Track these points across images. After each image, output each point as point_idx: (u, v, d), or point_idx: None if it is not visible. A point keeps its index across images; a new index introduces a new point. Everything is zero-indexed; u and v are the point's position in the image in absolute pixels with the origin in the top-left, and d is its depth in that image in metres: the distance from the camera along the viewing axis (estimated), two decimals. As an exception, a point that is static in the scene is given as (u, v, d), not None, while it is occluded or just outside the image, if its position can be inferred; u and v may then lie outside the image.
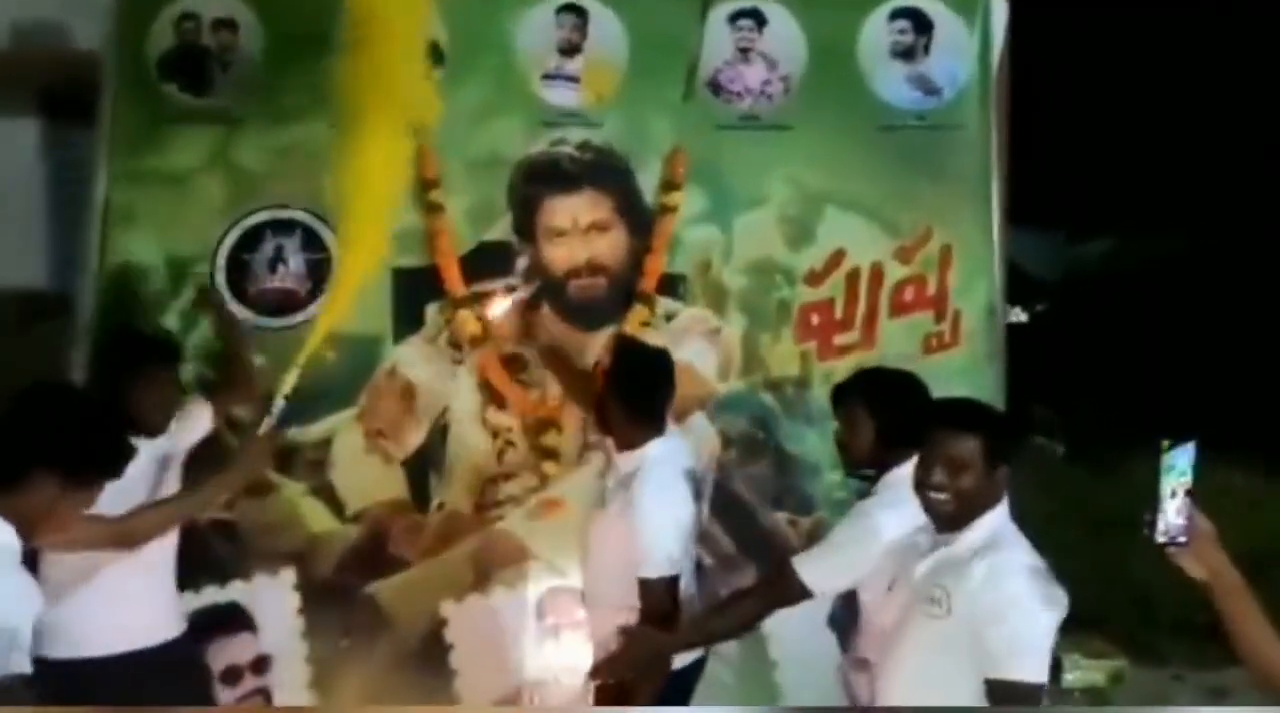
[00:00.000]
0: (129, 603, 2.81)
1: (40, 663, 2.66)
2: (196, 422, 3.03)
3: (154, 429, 2.84)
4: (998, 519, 2.26)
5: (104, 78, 3.42)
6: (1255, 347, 9.37)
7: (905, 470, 2.38)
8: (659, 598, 2.72)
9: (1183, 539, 1.91)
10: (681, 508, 2.81)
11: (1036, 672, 2.13)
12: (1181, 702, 4.12)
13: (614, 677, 2.71)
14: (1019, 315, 12.49)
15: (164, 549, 2.89)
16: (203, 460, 3.00)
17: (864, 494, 2.69)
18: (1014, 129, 3.70)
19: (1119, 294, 10.96)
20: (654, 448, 2.84)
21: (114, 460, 2.15)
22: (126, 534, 2.63)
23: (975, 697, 2.15)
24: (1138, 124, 9.82)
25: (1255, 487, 7.38)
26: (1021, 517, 2.49)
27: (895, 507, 2.45)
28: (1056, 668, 3.93)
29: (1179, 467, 1.94)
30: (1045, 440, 8.39)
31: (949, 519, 2.26)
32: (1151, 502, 1.94)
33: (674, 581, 2.74)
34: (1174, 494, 1.93)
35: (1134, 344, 10.18)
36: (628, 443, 2.87)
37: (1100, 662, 3.87)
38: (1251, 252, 10.08)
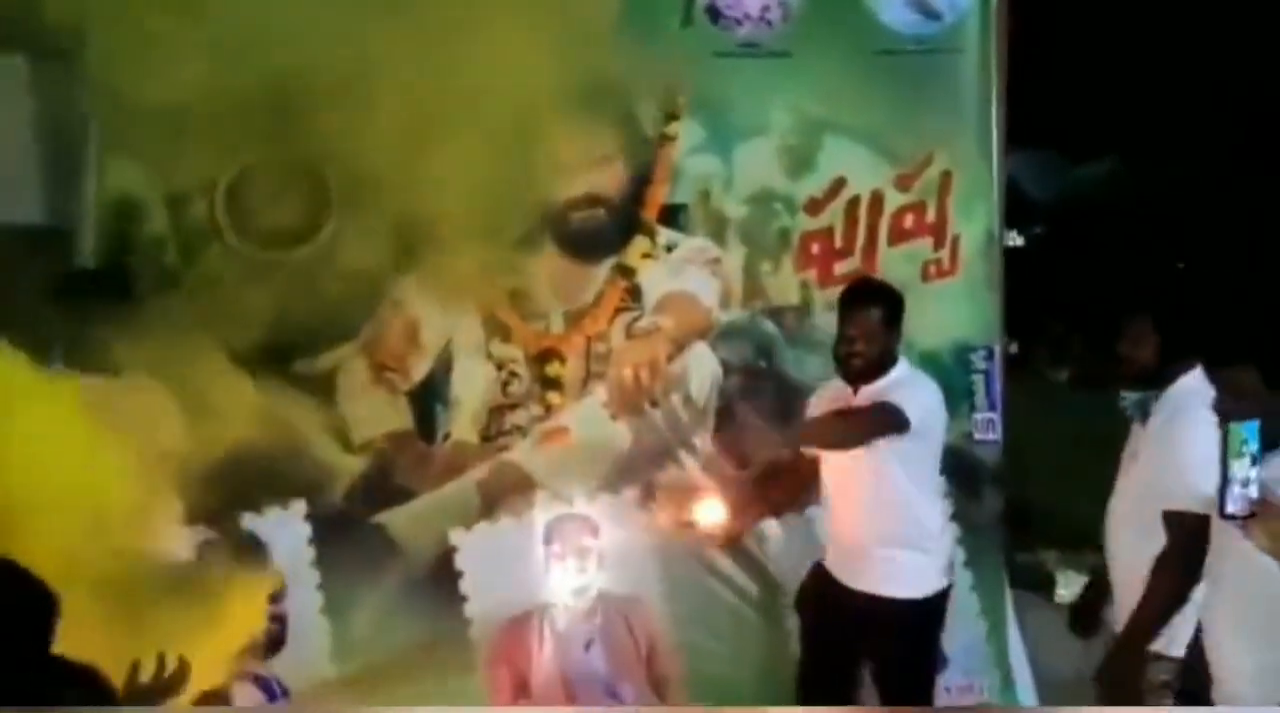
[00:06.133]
0: None
1: None
2: None
3: None
4: (1189, 380, 2.64)
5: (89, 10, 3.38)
6: (1257, 270, 9.37)
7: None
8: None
9: (1251, 514, 1.97)
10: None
11: (1198, 503, 2.28)
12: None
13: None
14: (1016, 239, 12.43)
15: None
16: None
17: None
18: (1016, 49, 3.65)
19: (1121, 217, 10.91)
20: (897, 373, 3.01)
21: None
22: None
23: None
24: (1142, 45, 9.69)
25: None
26: (1022, 439, 2.59)
27: None
28: (1050, 584, 4.02)
29: (1246, 442, 1.96)
30: (1048, 367, 8.45)
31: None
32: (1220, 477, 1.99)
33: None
34: (1243, 469, 1.96)
35: (1136, 267, 10.16)
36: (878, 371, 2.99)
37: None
38: (1256, 174, 10.02)
